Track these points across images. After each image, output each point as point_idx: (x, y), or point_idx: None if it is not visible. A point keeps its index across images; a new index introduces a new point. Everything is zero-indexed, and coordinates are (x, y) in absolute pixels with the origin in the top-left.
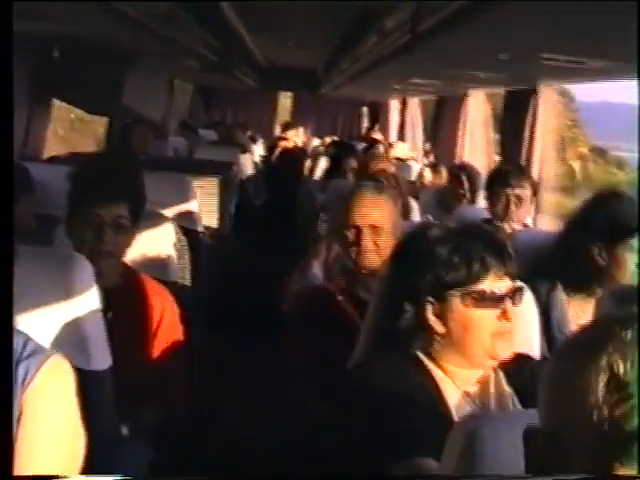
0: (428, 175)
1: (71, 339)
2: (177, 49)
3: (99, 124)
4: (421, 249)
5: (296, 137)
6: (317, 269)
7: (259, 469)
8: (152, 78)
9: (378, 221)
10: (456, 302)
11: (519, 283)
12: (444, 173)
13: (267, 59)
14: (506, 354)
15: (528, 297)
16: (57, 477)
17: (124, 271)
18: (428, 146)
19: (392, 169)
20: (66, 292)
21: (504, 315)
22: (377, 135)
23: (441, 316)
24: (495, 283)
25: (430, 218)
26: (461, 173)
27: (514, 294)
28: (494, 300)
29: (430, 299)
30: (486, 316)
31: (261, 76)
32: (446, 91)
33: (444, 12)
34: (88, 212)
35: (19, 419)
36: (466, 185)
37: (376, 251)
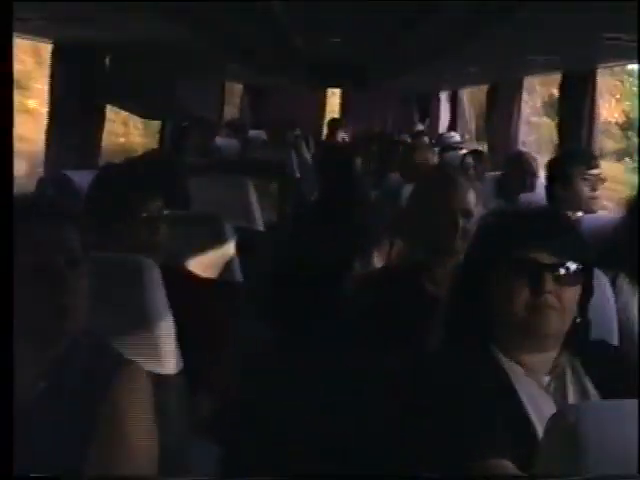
0: (471, 161)
1: (143, 344)
2: (226, 49)
3: (154, 127)
4: (495, 229)
5: (345, 134)
6: (379, 263)
7: (326, 467)
8: (203, 80)
9: (470, 205)
10: (502, 272)
11: (571, 265)
12: (489, 160)
13: (314, 56)
14: (542, 330)
15: (603, 284)
16: (57, 477)
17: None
18: (481, 134)
19: (434, 159)
20: (137, 297)
21: (540, 286)
22: (421, 127)
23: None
24: (539, 255)
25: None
26: (518, 160)
27: (558, 270)
28: (533, 270)
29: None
30: (523, 286)
31: (308, 74)
32: (499, 78)
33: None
34: (138, 209)
35: (96, 424)
36: (523, 172)
37: (466, 235)
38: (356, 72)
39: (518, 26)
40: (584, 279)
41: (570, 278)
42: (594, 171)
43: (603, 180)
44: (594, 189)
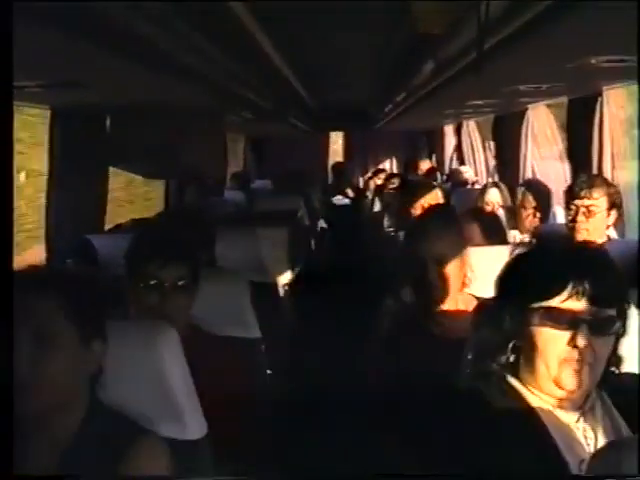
0: (496, 197)
1: (165, 411)
2: (228, 101)
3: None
4: (509, 266)
5: (351, 178)
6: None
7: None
8: (206, 134)
9: (446, 250)
10: (531, 318)
11: (608, 311)
12: (506, 192)
13: (316, 100)
14: (573, 386)
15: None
16: (57, 477)
17: (188, 332)
18: (492, 166)
19: (440, 198)
20: (156, 363)
21: (574, 340)
22: (427, 164)
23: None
24: (572, 303)
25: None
26: (528, 191)
27: (595, 320)
28: (566, 321)
29: (512, 315)
30: (555, 338)
31: (311, 119)
32: (505, 109)
33: (506, 30)
34: (148, 275)
35: None
36: (534, 202)
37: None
38: (360, 112)
39: (519, 56)
40: (621, 322)
41: (607, 326)
42: (586, 202)
43: (608, 207)
44: (574, 219)
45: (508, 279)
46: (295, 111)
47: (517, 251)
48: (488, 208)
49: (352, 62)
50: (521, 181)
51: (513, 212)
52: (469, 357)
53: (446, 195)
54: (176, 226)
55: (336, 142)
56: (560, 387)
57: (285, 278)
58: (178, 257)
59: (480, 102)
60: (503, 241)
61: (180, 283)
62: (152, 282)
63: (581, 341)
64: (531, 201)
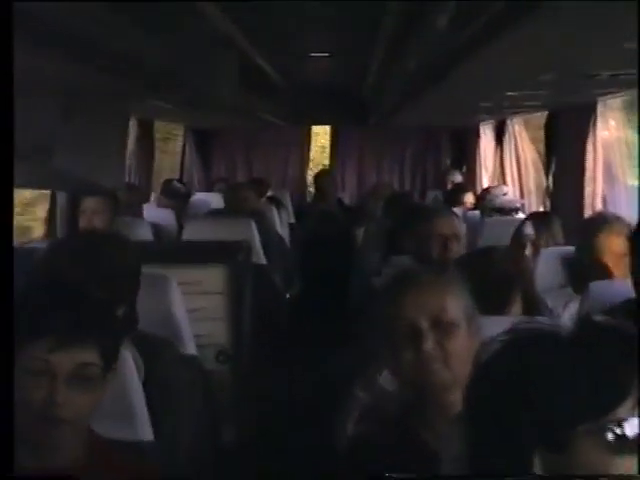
0: (532, 232)
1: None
2: (147, 77)
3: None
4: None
5: (340, 193)
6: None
7: None
8: (99, 122)
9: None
10: None
11: None
12: (558, 228)
13: (287, 80)
14: None
15: None
16: (57, 477)
17: (88, 442)
18: (540, 188)
19: (457, 233)
20: None
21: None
22: (458, 177)
23: None
24: None
25: None
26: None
27: None
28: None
29: None
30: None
31: (281, 106)
32: (564, 102)
33: None
34: (32, 357)
35: None
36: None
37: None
38: (350, 100)
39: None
40: None
41: None
42: None
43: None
44: None
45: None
46: (254, 94)
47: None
48: (523, 252)
49: (340, 26)
50: (587, 213)
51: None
52: None
53: (469, 225)
54: (73, 270)
55: (319, 141)
56: None
57: (221, 347)
58: (82, 331)
59: (530, 92)
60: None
61: (84, 372)
62: (39, 368)
63: None
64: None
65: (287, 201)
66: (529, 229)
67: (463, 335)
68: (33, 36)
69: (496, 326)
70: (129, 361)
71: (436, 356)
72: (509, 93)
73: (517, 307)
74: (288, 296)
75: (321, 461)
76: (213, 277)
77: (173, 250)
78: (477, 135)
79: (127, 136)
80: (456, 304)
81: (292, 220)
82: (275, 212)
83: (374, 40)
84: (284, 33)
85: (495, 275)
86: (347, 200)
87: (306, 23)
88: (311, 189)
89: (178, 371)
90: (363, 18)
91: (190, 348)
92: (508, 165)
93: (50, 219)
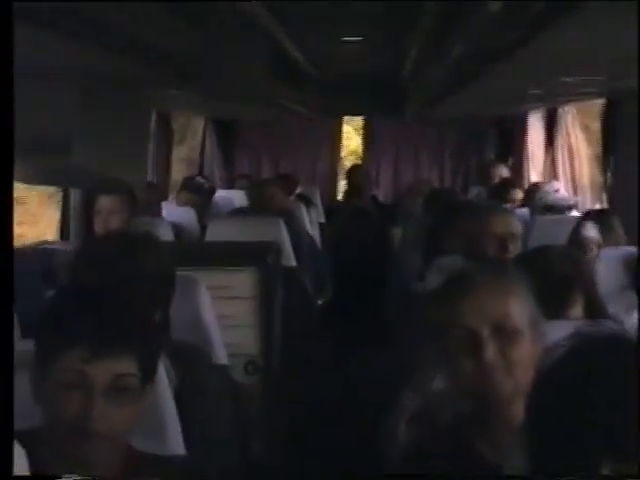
0: (596, 235)
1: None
2: (164, 66)
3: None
4: None
5: (375, 190)
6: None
7: None
8: (122, 116)
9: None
10: None
11: None
12: (620, 229)
13: (318, 68)
14: None
15: None
16: (57, 477)
17: (126, 457)
18: (596, 183)
19: (515, 231)
20: None
21: None
22: (504, 170)
23: None
24: None
25: None
26: None
27: None
28: None
29: None
30: None
31: (311, 96)
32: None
33: None
34: (66, 369)
35: None
36: None
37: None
38: (388, 88)
39: None
40: None
41: None
42: None
43: None
44: None
45: None
46: (282, 83)
47: None
48: (581, 253)
49: (375, 8)
50: None
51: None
52: None
53: (524, 225)
54: (105, 276)
55: (352, 135)
56: None
57: (251, 356)
58: (121, 339)
59: (590, 76)
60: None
61: (122, 383)
62: (72, 381)
63: None
64: None
65: (317, 199)
66: (588, 228)
67: (527, 342)
68: (49, 19)
69: (558, 331)
70: (161, 370)
71: (498, 366)
72: (564, 79)
73: (577, 310)
74: (320, 301)
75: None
76: (242, 281)
77: (198, 252)
78: (525, 125)
79: (150, 128)
80: (519, 308)
81: (322, 219)
82: (304, 211)
83: (414, 23)
84: (315, 16)
85: (553, 277)
86: (382, 197)
87: (339, 4)
88: (343, 185)
89: (210, 382)
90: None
91: (221, 357)
92: (560, 158)
93: (63, 219)
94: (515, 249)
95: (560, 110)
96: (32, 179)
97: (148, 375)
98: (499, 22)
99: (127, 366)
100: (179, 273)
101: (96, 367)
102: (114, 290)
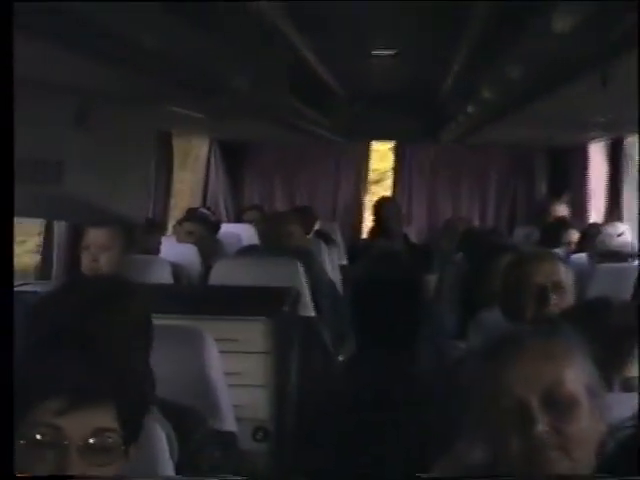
0: None
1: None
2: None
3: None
4: None
5: (406, 228)
6: None
7: None
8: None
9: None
10: None
11: None
12: None
13: (344, 85)
14: None
15: None
16: (57, 477)
17: None
18: None
19: (565, 280)
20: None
21: None
22: (558, 210)
23: None
24: None
25: None
26: None
27: None
28: None
29: None
30: None
31: (336, 116)
32: None
33: None
34: (38, 424)
35: None
36: None
37: None
38: (423, 110)
39: None
40: None
41: None
42: None
43: None
44: None
45: None
46: (307, 101)
47: None
48: None
49: (410, 20)
50: None
51: None
52: None
53: (579, 273)
54: (78, 322)
55: (380, 161)
56: None
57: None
58: (97, 390)
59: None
60: None
61: (102, 441)
62: (45, 437)
63: None
64: None
65: (338, 236)
66: None
67: (584, 414)
68: (43, 26)
69: (622, 404)
70: (158, 434)
71: (551, 442)
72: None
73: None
74: (341, 358)
75: None
76: (253, 333)
77: (201, 297)
78: (585, 156)
79: (152, 152)
80: (574, 374)
81: (344, 261)
82: (325, 250)
83: (458, 35)
84: (341, 25)
85: (612, 333)
86: (414, 236)
87: (368, 12)
88: (369, 221)
89: (212, 452)
90: (442, 13)
91: (228, 422)
92: (625, 196)
93: (45, 255)
94: (562, 301)
95: (626, 140)
96: (24, 210)
97: (131, 433)
98: (564, 42)
99: (106, 419)
100: (182, 323)
101: (72, 420)
102: (90, 337)
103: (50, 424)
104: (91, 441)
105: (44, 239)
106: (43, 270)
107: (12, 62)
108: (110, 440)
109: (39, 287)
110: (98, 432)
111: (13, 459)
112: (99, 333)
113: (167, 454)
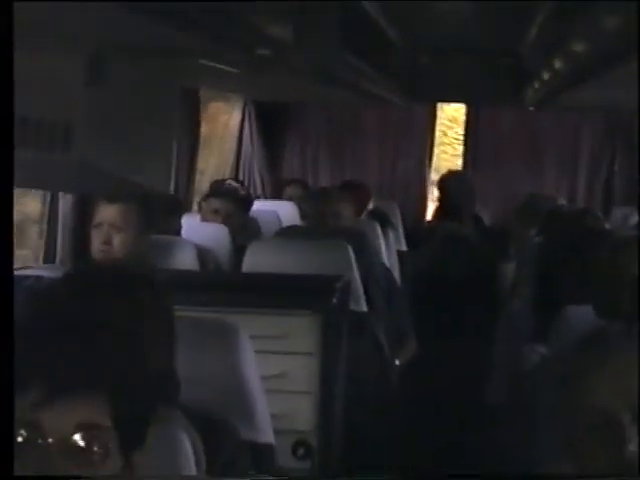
0: None
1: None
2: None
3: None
4: None
5: (478, 208)
6: None
7: None
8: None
9: None
10: None
11: None
12: None
13: (405, 36)
14: None
15: None
16: (56, 477)
17: None
18: None
19: None
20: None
21: None
22: None
23: None
24: None
25: None
26: None
27: None
28: None
29: None
30: None
31: (395, 74)
32: None
33: None
34: (25, 422)
35: None
36: None
37: None
38: (500, 67)
39: None
40: None
41: None
42: None
43: None
44: None
45: None
46: (363, 57)
47: None
48: None
49: None
50: None
51: None
52: None
53: None
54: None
55: (448, 128)
56: None
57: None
58: (81, 385)
59: None
60: None
61: (75, 438)
62: (32, 435)
63: None
64: None
65: (397, 217)
66: None
67: None
68: None
69: None
70: (181, 442)
71: None
72: None
73: None
74: (399, 361)
75: None
76: (296, 331)
77: (233, 286)
78: None
79: (175, 115)
80: None
81: (404, 247)
82: (380, 233)
83: None
84: None
85: None
86: (488, 218)
87: None
88: (434, 201)
89: (244, 468)
90: None
91: (264, 433)
92: None
93: (49, 234)
94: None
95: None
96: (26, 180)
97: (131, 434)
98: None
99: (93, 414)
100: (210, 316)
101: (54, 414)
102: (88, 329)
103: (26, 420)
104: (74, 438)
105: (48, 215)
106: (47, 252)
107: (12, 62)
108: (99, 439)
109: (43, 272)
110: (84, 428)
111: (13, 459)
112: (101, 325)
113: (192, 464)
